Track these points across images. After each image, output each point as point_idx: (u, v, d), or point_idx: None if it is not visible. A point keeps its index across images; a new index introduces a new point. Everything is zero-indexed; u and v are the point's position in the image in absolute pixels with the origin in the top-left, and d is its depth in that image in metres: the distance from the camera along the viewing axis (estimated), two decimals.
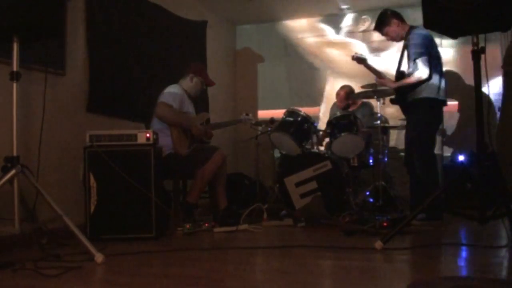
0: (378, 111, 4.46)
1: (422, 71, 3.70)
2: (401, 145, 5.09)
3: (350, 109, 5.26)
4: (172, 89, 3.90)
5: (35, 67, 3.18)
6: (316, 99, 6.30)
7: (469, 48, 2.53)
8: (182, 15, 5.19)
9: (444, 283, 1.82)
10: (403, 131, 4.24)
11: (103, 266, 2.35)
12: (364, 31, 6.09)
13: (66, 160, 3.47)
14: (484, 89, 2.62)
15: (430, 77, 3.72)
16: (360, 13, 6.12)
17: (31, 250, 2.68)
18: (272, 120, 4.80)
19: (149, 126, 3.96)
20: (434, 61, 3.76)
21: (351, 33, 6.21)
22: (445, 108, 3.93)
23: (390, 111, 5.23)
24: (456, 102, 5.51)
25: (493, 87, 2.58)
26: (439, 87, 3.77)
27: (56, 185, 3.31)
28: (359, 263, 2.36)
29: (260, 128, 5.06)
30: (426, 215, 3.55)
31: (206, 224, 3.63)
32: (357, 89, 4.97)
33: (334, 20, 6.31)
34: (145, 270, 2.31)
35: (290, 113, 4.45)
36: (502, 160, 1.80)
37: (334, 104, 5.55)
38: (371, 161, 4.59)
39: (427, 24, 2.59)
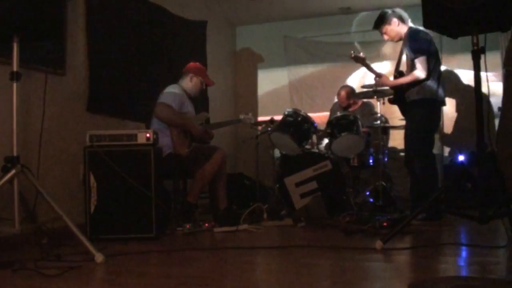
0: (379, 111, 4.46)
1: (420, 71, 3.70)
2: (401, 145, 5.09)
3: (351, 109, 5.26)
4: (172, 89, 3.90)
5: (35, 67, 3.18)
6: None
7: None
8: (182, 15, 5.20)
9: (444, 283, 1.82)
10: (403, 131, 4.24)
11: (103, 266, 2.35)
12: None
13: (66, 160, 3.47)
14: (484, 89, 2.62)
15: (428, 77, 3.72)
16: (362, 14, 6.11)
17: (31, 250, 2.68)
18: (272, 120, 4.80)
19: (149, 126, 3.96)
20: (433, 61, 3.77)
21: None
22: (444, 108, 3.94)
23: (392, 111, 5.23)
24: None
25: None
26: (437, 87, 3.77)
27: (56, 185, 3.31)
28: (359, 263, 2.36)
29: (260, 128, 5.06)
30: (426, 215, 3.55)
31: (206, 224, 3.63)
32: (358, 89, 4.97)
33: (334, 20, 6.31)
34: (145, 270, 2.31)
35: (290, 113, 4.45)
36: (503, 164, 1.80)
37: (335, 104, 5.55)
38: (371, 161, 4.59)
39: (427, 24, 2.59)
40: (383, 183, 4.41)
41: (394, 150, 5.30)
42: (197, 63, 4.25)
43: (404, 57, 3.98)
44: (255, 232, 3.51)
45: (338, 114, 4.51)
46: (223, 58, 6.44)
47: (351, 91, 5.27)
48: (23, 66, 2.70)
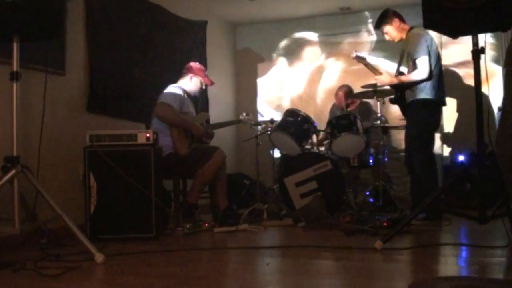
0: (378, 111, 4.45)
1: (421, 71, 3.70)
2: (401, 145, 5.08)
3: (349, 109, 5.26)
4: (172, 89, 3.90)
5: (35, 67, 3.18)
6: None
7: None
8: (182, 15, 5.19)
9: (444, 283, 1.82)
10: (403, 131, 4.24)
11: (103, 266, 2.36)
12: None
13: (66, 160, 3.47)
14: (484, 89, 2.62)
15: (429, 77, 3.72)
16: (362, 13, 6.11)
17: (31, 250, 2.68)
18: (272, 120, 4.80)
19: (149, 126, 3.96)
20: (434, 61, 3.77)
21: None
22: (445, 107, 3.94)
23: (392, 111, 5.22)
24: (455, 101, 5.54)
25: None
26: (438, 88, 3.77)
27: (56, 185, 3.31)
28: (359, 263, 2.36)
29: (260, 128, 5.06)
30: (426, 215, 3.55)
31: (206, 224, 3.63)
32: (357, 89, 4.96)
33: (333, 20, 6.31)
34: (145, 270, 2.31)
35: (290, 113, 4.44)
36: (502, 164, 1.80)
37: (334, 104, 5.55)
38: (371, 161, 4.59)
39: (427, 24, 2.59)
40: (383, 183, 4.41)
41: (394, 150, 5.30)
42: (197, 63, 4.25)
43: (405, 57, 3.97)
44: (255, 232, 3.51)
45: (338, 114, 4.50)
46: (224, 58, 6.44)
47: (348, 91, 5.26)
48: (23, 66, 2.71)
